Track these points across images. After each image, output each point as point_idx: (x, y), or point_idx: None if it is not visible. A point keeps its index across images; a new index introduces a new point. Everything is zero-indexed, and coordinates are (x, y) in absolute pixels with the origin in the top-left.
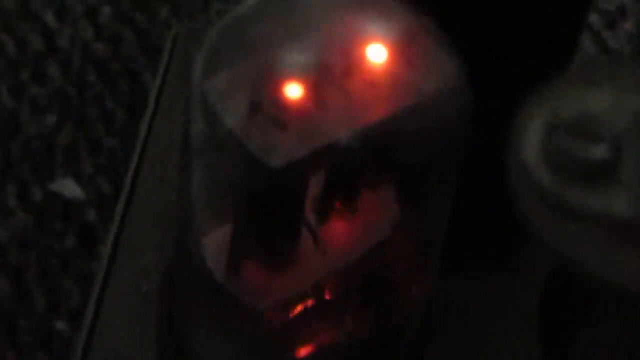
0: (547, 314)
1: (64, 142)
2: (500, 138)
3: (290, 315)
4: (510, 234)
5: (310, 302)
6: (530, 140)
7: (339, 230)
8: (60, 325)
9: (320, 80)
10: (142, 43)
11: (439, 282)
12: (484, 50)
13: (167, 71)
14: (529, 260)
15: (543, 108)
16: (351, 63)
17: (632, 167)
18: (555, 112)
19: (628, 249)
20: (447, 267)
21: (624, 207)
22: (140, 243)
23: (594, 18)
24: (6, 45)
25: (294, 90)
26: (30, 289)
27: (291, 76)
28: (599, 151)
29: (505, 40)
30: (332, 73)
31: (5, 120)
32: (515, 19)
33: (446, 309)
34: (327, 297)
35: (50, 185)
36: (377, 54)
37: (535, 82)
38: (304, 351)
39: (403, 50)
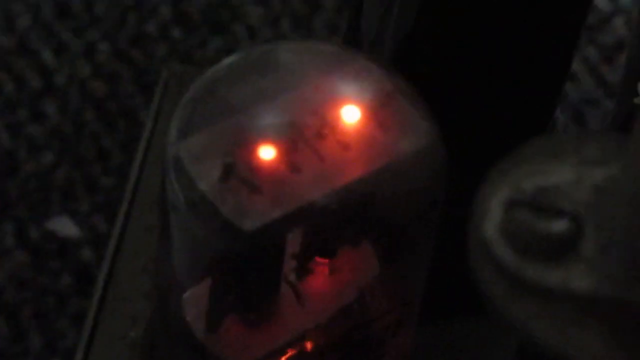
0: None
1: (61, 180)
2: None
3: None
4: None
5: (291, 357)
6: (491, 216)
7: (319, 286)
8: None
9: (294, 142)
10: (139, 81)
11: (421, 328)
12: (459, 111)
13: (158, 113)
14: None
15: (504, 182)
16: (325, 124)
17: (593, 242)
18: (516, 186)
19: (589, 325)
20: (428, 313)
21: (585, 282)
22: (129, 289)
23: (591, 51)
24: (4, 84)
25: (267, 153)
26: (26, 328)
27: (264, 138)
28: (560, 226)
29: (481, 101)
30: (306, 135)
31: (2, 159)
32: (493, 80)
33: (428, 355)
34: (308, 351)
35: (47, 224)
36: (351, 115)
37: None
38: None
39: (377, 111)
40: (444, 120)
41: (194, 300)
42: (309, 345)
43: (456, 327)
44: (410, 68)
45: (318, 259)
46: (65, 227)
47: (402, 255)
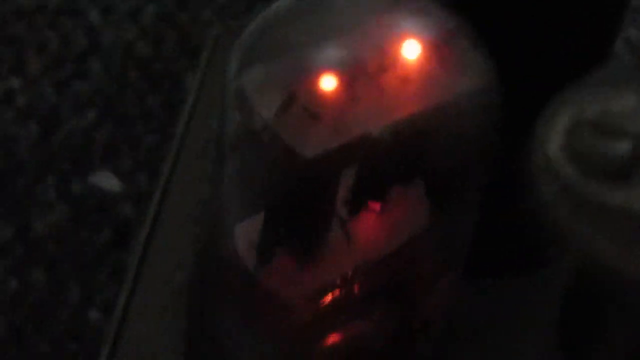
0: (569, 320)
1: (104, 138)
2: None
3: (318, 305)
4: (535, 242)
5: (338, 295)
6: (555, 136)
7: (369, 224)
8: (94, 316)
9: (354, 75)
10: (183, 44)
11: (463, 285)
12: (516, 51)
13: (206, 71)
14: (552, 268)
15: (568, 106)
16: (385, 59)
17: None
18: (579, 110)
19: None
20: (471, 272)
21: None
22: (173, 236)
23: (632, 33)
24: (50, 42)
25: (328, 83)
26: (65, 280)
27: (325, 70)
28: (621, 148)
29: (537, 41)
30: (366, 68)
31: (47, 115)
32: (549, 20)
33: (469, 313)
34: (355, 290)
35: (89, 178)
36: (410, 51)
37: (565, 83)
38: (330, 341)
39: (437, 48)
40: (501, 66)
41: (247, 234)
42: (357, 284)
43: (497, 288)
44: (467, 12)
45: (369, 199)
46: (107, 181)
47: (453, 198)
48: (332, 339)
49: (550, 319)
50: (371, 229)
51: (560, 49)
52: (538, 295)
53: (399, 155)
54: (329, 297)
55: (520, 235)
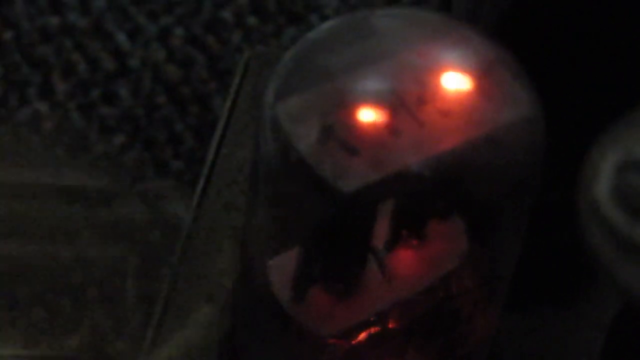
0: (612, 356)
1: (131, 162)
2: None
3: (354, 343)
4: (579, 274)
5: (374, 332)
6: (602, 178)
7: (406, 260)
8: (121, 346)
9: (393, 107)
10: (213, 67)
11: (504, 319)
12: (562, 83)
13: (237, 95)
14: (595, 302)
15: (616, 145)
16: (425, 91)
17: None
18: (628, 150)
19: None
20: (513, 304)
21: None
22: (204, 267)
23: None
24: (77, 64)
25: (366, 116)
26: (91, 309)
27: (364, 101)
28: None
29: (586, 73)
30: (406, 100)
31: (73, 139)
32: (600, 51)
33: (510, 347)
34: (391, 326)
35: (115, 205)
36: (452, 83)
37: (611, 120)
38: None
39: (479, 80)
40: (544, 96)
41: (281, 269)
42: (393, 320)
43: (542, 316)
44: (510, 42)
45: (407, 234)
46: (134, 207)
47: (493, 233)
48: None
49: (591, 351)
50: (409, 264)
51: (611, 81)
52: (578, 325)
53: (438, 190)
54: (364, 335)
55: (561, 263)
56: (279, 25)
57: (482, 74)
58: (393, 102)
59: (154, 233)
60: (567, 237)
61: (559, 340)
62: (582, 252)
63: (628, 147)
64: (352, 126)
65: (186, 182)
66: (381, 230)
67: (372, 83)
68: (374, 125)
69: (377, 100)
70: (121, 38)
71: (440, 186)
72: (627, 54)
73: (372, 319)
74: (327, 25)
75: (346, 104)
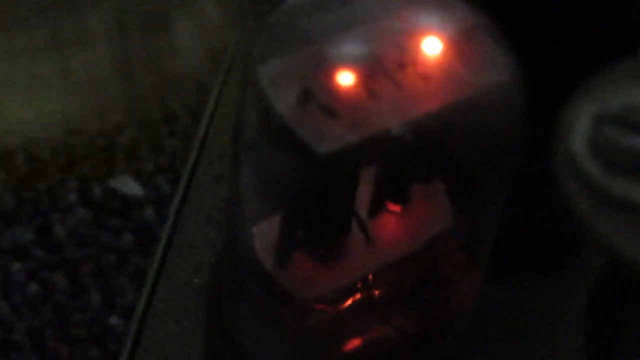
0: (594, 320)
1: (126, 141)
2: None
3: (339, 307)
4: (562, 245)
5: (358, 295)
6: (578, 131)
7: (389, 224)
8: (115, 320)
9: (373, 71)
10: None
11: (488, 288)
12: (539, 45)
13: (227, 72)
14: (580, 272)
15: (591, 100)
16: (405, 55)
17: None
18: (603, 104)
19: None
20: (496, 273)
21: None
22: (193, 238)
23: None
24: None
25: (346, 79)
26: (86, 284)
27: (344, 65)
28: None
29: (561, 35)
30: (386, 64)
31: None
32: (574, 13)
33: (494, 314)
34: (376, 290)
35: (111, 182)
36: (431, 47)
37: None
38: (351, 344)
39: (458, 44)
40: (523, 62)
41: (264, 234)
42: (377, 284)
43: (524, 286)
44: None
45: (389, 198)
46: (128, 185)
47: (475, 196)
48: (352, 341)
49: (575, 319)
50: (391, 229)
51: (585, 41)
52: (563, 295)
53: (419, 153)
54: (348, 299)
55: (545, 234)
56: (274, 3)
57: (462, 39)
58: (372, 66)
59: (148, 210)
60: (551, 207)
61: (543, 310)
62: (565, 223)
63: (604, 101)
64: (331, 89)
65: (180, 160)
66: (364, 195)
67: (351, 47)
68: (353, 88)
69: (356, 63)
70: None
71: (419, 149)
72: (603, 15)
73: (356, 283)
74: None
75: (326, 67)
